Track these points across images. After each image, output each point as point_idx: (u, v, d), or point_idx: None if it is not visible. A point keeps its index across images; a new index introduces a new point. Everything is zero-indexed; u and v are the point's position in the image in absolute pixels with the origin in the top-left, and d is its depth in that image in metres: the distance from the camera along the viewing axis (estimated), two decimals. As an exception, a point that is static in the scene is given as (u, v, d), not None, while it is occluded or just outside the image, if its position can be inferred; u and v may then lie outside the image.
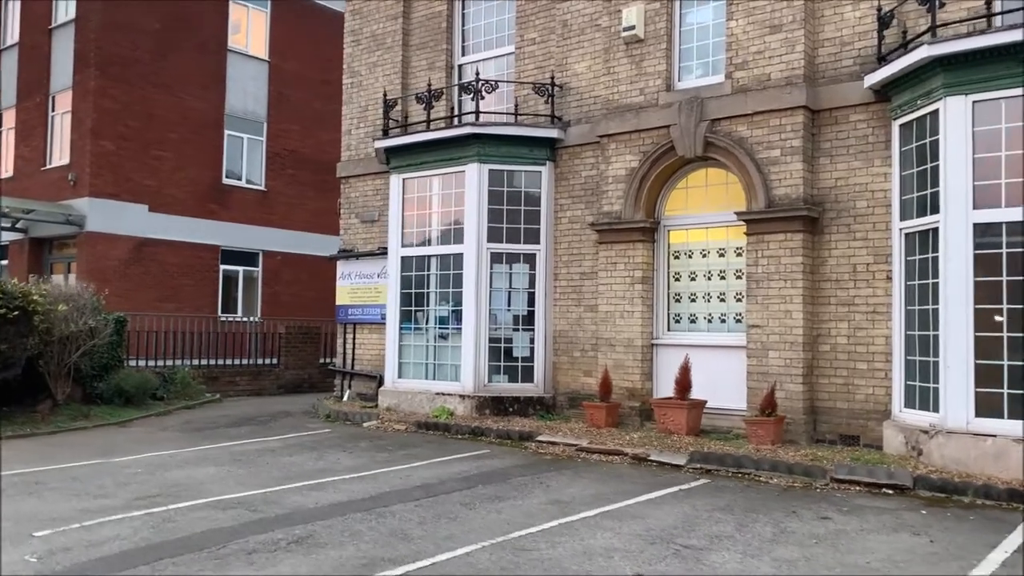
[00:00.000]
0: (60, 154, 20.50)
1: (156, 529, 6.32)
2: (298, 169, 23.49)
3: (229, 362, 17.30)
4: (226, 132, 21.89)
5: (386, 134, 13.60)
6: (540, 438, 10.38)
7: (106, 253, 19.37)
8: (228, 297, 21.91)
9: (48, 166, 20.73)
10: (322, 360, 18.56)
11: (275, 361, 18.08)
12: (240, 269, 22.19)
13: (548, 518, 6.69)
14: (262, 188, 22.69)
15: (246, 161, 22.47)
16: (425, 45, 14.13)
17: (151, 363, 15.79)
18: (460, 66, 13.92)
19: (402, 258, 13.23)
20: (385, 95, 13.80)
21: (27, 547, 5.86)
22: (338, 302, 15.14)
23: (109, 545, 5.89)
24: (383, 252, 14.09)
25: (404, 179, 13.21)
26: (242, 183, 22.30)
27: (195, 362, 16.46)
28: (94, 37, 19.54)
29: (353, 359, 14.78)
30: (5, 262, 21.59)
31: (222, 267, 21.67)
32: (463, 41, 13.96)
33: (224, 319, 20.51)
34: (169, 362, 16.20)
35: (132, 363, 15.04)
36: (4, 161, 22.31)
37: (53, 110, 20.93)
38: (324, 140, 23.91)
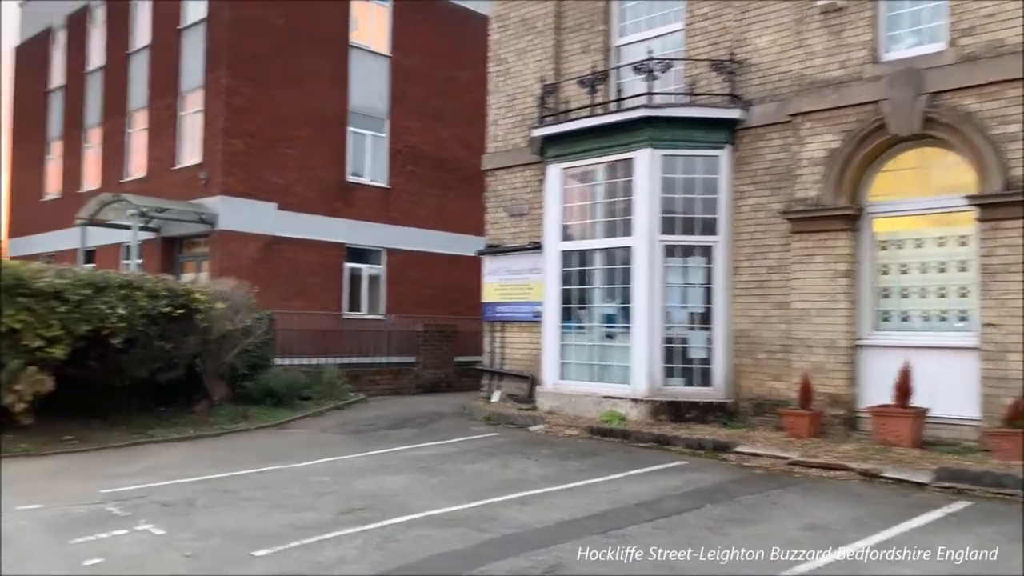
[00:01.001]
0: (190, 153, 20.57)
1: (383, 551, 5.67)
2: (418, 166, 23.06)
3: (367, 360, 16.89)
4: (349, 129, 21.61)
5: (541, 122, 12.84)
6: (740, 449, 9.40)
7: (237, 251, 19.28)
8: (353, 295, 21.64)
9: (178, 166, 20.83)
10: (457, 359, 18.00)
11: (412, 360, 17.58)
12: (364, 267, 21.90)
13: (819, 546, 5.75)
14: (385, 185, 22.34)
15: (369, 158, 22.16)
16: (579, 27, 13.31)
17: (293, 362, 15.47)
18: (619, 47, 13.04)
19: (562, 253, 12.45)
20: (543, 81, 13.04)
21: (252, 569, 5.28)
22: (485, 299, 14.49)
23: (341, 569, 5.25)
24: (535, 247, 13.36)
25: (564, 168, 12.42)
26: (365, 180, 22.00)
27: (335, 361, 16.06)
28: (224, 36, 19.48)
29: (502, 359, 14.10)
30: (140, 261, 21.82)
31: (347, 265, 21.41)
32: (622, 21, 13.08)
33: (349, 317, 20.21)
34: (307, 360, 15.87)
35: (277, 362, 14.73)
36: (136, 162, 22.61)
37: (183, 110, 21.03)
38: (444, 137, 23.47)
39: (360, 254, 21.77)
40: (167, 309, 10.73)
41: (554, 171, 12.52)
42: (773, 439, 9.84)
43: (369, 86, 22.05)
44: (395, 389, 16.67)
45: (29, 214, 27.14)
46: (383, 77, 22.44)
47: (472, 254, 23.50)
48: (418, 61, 22.96)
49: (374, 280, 22.13)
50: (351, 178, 21.62)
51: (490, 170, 14.54)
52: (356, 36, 21.91)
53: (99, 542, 5.95)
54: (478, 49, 24.09)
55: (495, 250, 14.28)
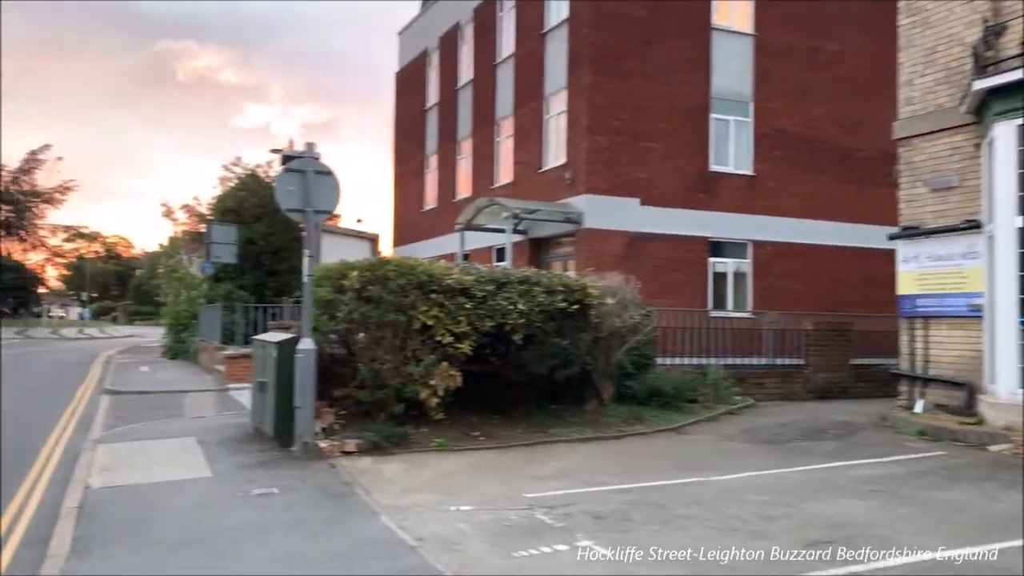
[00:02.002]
0: (555, 155, 20.82)
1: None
2: (786, 150, 21.10)
3: (748, 362, 15.52)
4: (711, 116, 20.39)
5: (982, 72, 10.50)
6: None
7: (601, 249, 19.00)
8: (717, 291, 20.37)
9: (544, 168, 21.20)
10: (854, 362, 15.90)
11: (800, 362, 15.84)
12: (728, 261, 20.53)
13: None
14: (749, 173, 20.75)
15: (732, 145, 20.74)
16: (1029, -50, 10.70)
17: (671, 362, 14.62)
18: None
19: (1021, 231, 10.02)
20: (985, 22, 10.69)
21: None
22: (901, 291, 12.36)
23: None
24: (970, 226, 11.02)
25: (1022, 125, 9.98)
26: (728, 169, 20.61)
27: (715, 362, 14.92)
28: (586, 33, 19.37)
29: (925, 361, 11.89)
30: (508, 264, 22.70)
31: (710, 260, 20.20)
32: (1093, -68, 10.26)
33: (717, 315, 18.94)
34: (685, 360, 14.91)
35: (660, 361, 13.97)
36: (504, 168, 23.57)
37: (547, 113, 21.38)
38: (813, 116, 21.27)
39: (723, 247, 20.45)
40: (563, 305, 10.39)
41: (1006, 130, 10.12)
42: None
43: (731, 69, 20.65)
44: (784, 394, 15.06)
45: (411, 224, 29.81)
46: (746, 57, 20.89)
47: (849, 244, 21.11)
48: (782, 35, 21.03)
49: (738, 275, 20.66)
50: (714, 168, 20.38)
51: (903, 139, 12.37)
52: (718, 18, 20.65)
53: (543, 557, 5.41)
54: (845, 14, 21.60)
55: (913, 233, 12.09)
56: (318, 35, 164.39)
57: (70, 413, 13.37)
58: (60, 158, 74.66)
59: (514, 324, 10.03)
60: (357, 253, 11.46)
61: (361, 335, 9.62)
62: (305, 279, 8.89)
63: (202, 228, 27.63)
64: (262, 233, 25.06)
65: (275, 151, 33.56)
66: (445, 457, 8.94)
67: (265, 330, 13.47)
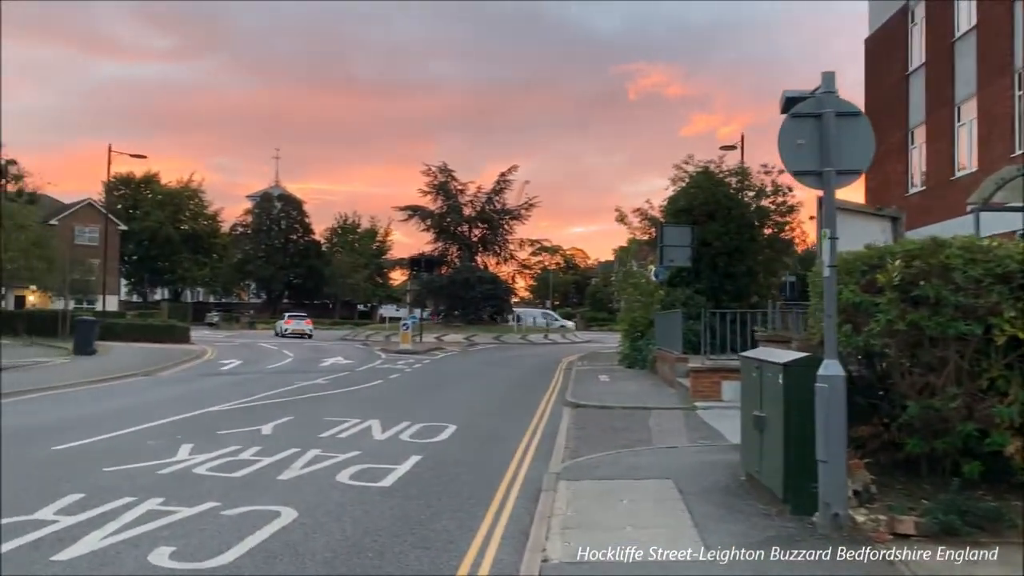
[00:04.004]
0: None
1: None
2: None
3: None
4: None
5: None
6: None
7: None
8: None
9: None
10: None
11: None
12: None
13: None
14: None
15: None
16: None
17: None
18: None
19: None
20: None
21: None
22: None
23: None
24: None
25: None
26: None
27: None
28: None
29: None
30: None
31: None
32: None
33: None
34: None
35: None
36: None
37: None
38: None
39: None
40: None
41: None
42: None
43: None
44: None
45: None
46: None
47: None
48: None
49: None
50: None
51: None
52: None
53: None
54: None
55: None
56: (756, 38, 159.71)
57: (533, 428, 12.42)
58: (527, 181, 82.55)
59: None
60: (871, 238, 8.31)
61: (905, 355, 6.54)
62: (826, 272, 6.12)
63: (653, 232, 26.38)
64: (716, 233, 22.88)
65: (725, 148, 31.26)
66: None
67: (751, 344, 10.98)
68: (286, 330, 48.28)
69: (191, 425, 11.82)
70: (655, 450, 10.01)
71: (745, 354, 7.80)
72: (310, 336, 47.31)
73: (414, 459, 9.36)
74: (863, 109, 6.35)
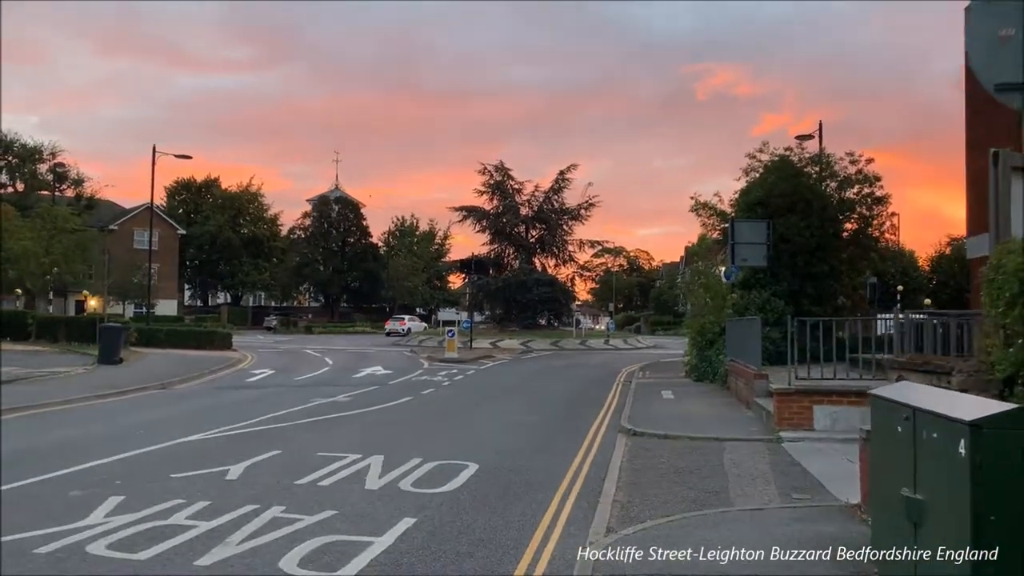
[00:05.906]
0: None
1: None
2: None
3: None
4: None
5: None
6: None
7: None
8: None
9: None
10: None
11: None
12: None
13: None
14: None
15: None
16: None
17: None
18: None
19: None
20: None
21: None
22: None
23: None
24: None
25: None
26: None
27: None
28: None
29: None
30: None
31: None
32: None
33: None
34: None
35: None
36: None
37: None
38: None
39: None
40: None
41: None
42: None
43: None
44: None
45: None
46: None
47: None
48: None
49: None
50: None
51: None
52: None
53: None
54: None
55: None
56: (829, 36, 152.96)
57: (575, 468, 9.86)
58: (590, 183, 79.62)
59: None
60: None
61: None
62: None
63: (723, 230, 23.51)
64: (796, 228, 19.94)
65: (801, 137, 28.04)
66: None
67: (844, 357, 8.15)
68: (388, 330, 59.64)
69: (145, 464, 9.54)
70: (734, 515, 7.33)
71: (882, 393, 5.07)
72: (405, 334, 55.00)
73: (404, 525, 6.91)
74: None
